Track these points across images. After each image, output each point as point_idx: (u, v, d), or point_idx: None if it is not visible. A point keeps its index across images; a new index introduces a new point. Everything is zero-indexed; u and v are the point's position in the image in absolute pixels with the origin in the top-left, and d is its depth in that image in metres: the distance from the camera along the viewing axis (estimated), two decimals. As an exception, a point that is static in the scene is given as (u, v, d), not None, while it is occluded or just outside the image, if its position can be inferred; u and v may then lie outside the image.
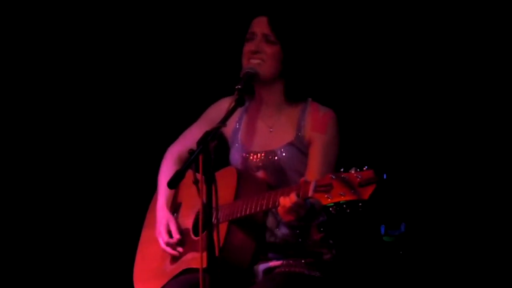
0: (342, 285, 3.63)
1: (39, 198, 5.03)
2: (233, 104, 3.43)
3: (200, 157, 3.08)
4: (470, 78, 4.53)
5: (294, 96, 3.71)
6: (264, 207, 3.42)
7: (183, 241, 3.69)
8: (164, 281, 3.67)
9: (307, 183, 3.26)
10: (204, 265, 3.06)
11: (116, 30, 5.00)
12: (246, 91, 3.54)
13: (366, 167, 3.12)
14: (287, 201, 3.29)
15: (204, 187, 3.07)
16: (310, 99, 3.73)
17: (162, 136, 4.21)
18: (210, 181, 3.06)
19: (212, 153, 3.10)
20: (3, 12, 4.93)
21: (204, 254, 3.07)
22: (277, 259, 3.59)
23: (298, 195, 3.27)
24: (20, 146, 5.03)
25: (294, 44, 3.67)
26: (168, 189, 3.74)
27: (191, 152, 3.12)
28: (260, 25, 3.66)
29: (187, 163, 3.11)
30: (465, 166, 4.53)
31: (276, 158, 3.65)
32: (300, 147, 3.64)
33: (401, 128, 4.61)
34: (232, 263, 3.50)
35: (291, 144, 3.65)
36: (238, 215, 3.47)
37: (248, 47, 3.66)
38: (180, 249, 3.67)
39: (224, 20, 4.82)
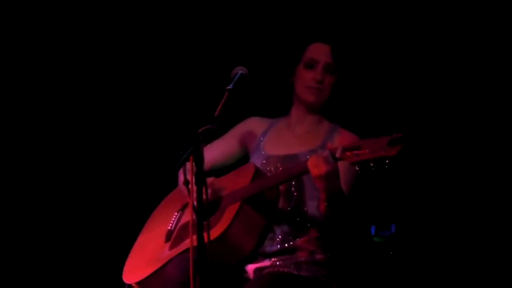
0: (331, 285, 3.64)
1: (40, 200, 5.03)
2: (222, 105, 3.42)
3: (191, 158, 3.08)
4: (465, 80, 4.55)
5: (328, 117, 3.83)
6: (282, 178, 3.50)
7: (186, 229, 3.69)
8: (160, 264, 3.64)
9: (334, 147, 3.32)
10: (197, 256, 3.03)
11: (117, 33, 4.99)
12: (237, 92, 3.54)
13: (394, 133, 3.18)
14: (319, 153, 3.35)
15: (195, 187, 3.07)
16: (339, 126, 3.84)
17: (163, 140, 4.22)
18: (201, 182, 3.06)
19: (203, 154, 3.10)
20: (3, 12, 4.92)
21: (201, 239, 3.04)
22: (271, 256, 3.61)
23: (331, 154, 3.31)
24: (20, 149, 5.02)
25: (350, 75, 3.78)
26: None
27: (181, 153, 3.12)
28: (323, 54, 3.75)
29: (178, 163, 3.11)
30: (455, 166, 4.55)
31: (296, 161, 3.67)
32: None
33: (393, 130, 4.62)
34: (240, 243, 3.52)
35: (313, 151, 3.69)
36: (254, 192, 3.53)
37: (312, 75, 3.74)
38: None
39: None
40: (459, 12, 4.55)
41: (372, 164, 3.18)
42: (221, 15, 4.90)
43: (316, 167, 3.34)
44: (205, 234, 3.02)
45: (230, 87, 3.42)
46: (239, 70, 3.53)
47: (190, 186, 3.07)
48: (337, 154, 3.29)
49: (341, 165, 3.48)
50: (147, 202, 4.04)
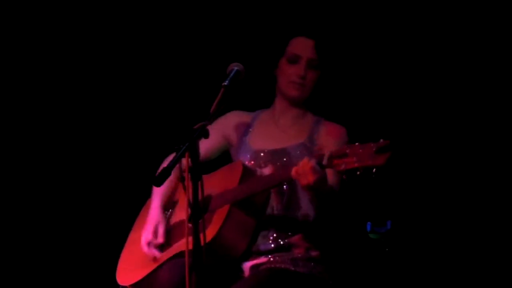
0: (327, 281, 3.64)
1: (29, 197, 5.02)
2: (218, 101, 3.42)
3: (187, 155, 3.07)
4: (465, 79, 4.54)
5: (312, 110, 3.80)
6: (271, 184, 3.47)
7: (176, 230, 3.70)
8: (152, 267, 3.65)
9: (321, 154, 3.29)
10: (192, 259, 3.02)
11: (111, 30, 4.98)
12: (233, 88, 3.53)
13: (381, 139, 3.13)
14: (305, 163, 3.30)
15: (190, 184, 3.06)
16: (323, 118, 3.81)
17: (156, 139, 4.22)
18: (197, 179, 3.06)
19: (198, 150, 3.09)
20: (3, 12, 4.91)
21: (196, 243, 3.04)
22: (266, 254, 3.60)
23: (317, 163, 3.28)
24: (16, 147, 5.01)
25: (333, 70, 3.76)
26: (163, 191, 3.79)
27: (177, 149, 3.11)
28: (306, 49, 3.71)
29: (174, 160, 3.10)
30: (449, 163, 4.55)
31: (285, 156, 3.67)
32: (311, 147, 3.67)
33: (390, 128, 4.62)
34: (232, 246, 3.51)
35: (302, 144, 3.69)
36: (243, 196, 3.50)
37: (295, 70, 3.71)
38: (157, 253, 3.66)
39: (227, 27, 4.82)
40: (446, 11, 4.54)
41: (359, 173, 3.16)
42: (207, 9, 4.88)
43: (304, 176, 3.31)
44: (196, 236, 3.02)
45: (225, 83, 3.40)
46: (235, 67, 3.51)
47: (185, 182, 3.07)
48: (324, 162, 3.26)
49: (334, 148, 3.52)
50: (141, 200, 4.03)
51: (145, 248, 3.67)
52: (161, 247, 3.70)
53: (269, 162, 3.69)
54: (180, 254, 3.58)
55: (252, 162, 3.73)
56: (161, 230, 3.69)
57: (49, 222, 5.01)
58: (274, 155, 3.71)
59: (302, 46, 3.73)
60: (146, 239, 3.68)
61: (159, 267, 3.62)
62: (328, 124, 3.77)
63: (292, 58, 3.73)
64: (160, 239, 3.67)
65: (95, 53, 4.98)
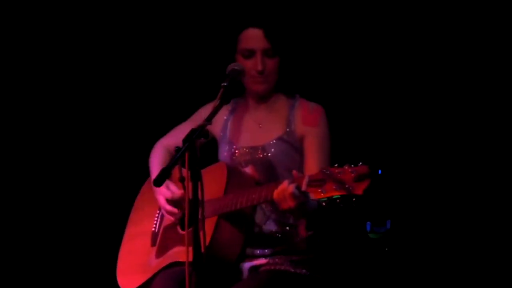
0: (328, 282, 3.63)
1: (23, 195, 5.02)
2: (218, 101, 3.42)
3: (186, 155, 3.07)
4: (461, 74, 4.53)
5: (284, 92, 3.74)
6: (255, 202, 3.42)
7: (169, 234, 3.69)
8: (148, 275, 3.67)
9: (300, 177, 3.25)
10: (190, 260, 3.04)
11: (104, 30, 4.98)
12: (232, 88, 3.53)
13: (360, 163, 3.10)
14: (284, 188, 3.26)
15: (190, 184, 3.06)
16: (298, 95, 3.75)
17: (148, 134, 4.21)
18: (196, 179, 3.06)
19: (198, 150, 3.09)
20: (3, 12, 4.89)
21: (190, 248, 3.05)
22: (264, 257, 3.60)
23: (296, 187, 3.24)
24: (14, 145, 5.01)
25: (291, 52, 3.68)
26: (161, 162, 3.77)
27: (177, 149, 3.11)
28: (258, 41, 3.63)
29: (173, 160, 3.10)
30: (448, 163, 4.55)
31: (265, 153, 3.65)
32: (291, 142, 3.65)
33: (389, 126, 4.61)
34: (221, 257, 3.50)
35: (280, 138, 3.66)
36: (228, 209, 3.47)
37: (252, 64, 3.63)
38: (176, 210, 3.63)
39: (214, 22, 4.79)
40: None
41: (338, 201, 3.12)
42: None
43: (284, 202, 3.28)
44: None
45: (225, 84, 3.40)
46: (234, 67, 3.52)
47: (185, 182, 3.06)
48: (303, 188, 3.21)
49: (314, 137, 3.53)
50: (134, 193, 4.04)
51: (167, 208, 3.65)
52: (157, 253, 3.71)
53: (250, 162, 3.67)
54: (175, 263, 3.59)
55: (233, 159, 3.71)
56: (173, 187, 3.64)
57: (43, 218, 5.01)
58: (253, 153, 3.68)
59: (252, 39, 3.65)
60: (166, 196, 3.64)
61: (155, 274, 3.63)
62: (304, 107, 3.71)
63: (246, 54, 3.65)
64: (177, 193, 3.62)
65: (94, 54, 4.98)
